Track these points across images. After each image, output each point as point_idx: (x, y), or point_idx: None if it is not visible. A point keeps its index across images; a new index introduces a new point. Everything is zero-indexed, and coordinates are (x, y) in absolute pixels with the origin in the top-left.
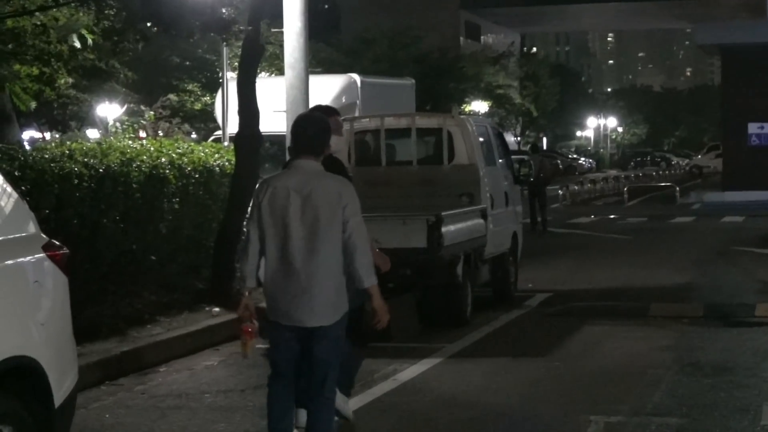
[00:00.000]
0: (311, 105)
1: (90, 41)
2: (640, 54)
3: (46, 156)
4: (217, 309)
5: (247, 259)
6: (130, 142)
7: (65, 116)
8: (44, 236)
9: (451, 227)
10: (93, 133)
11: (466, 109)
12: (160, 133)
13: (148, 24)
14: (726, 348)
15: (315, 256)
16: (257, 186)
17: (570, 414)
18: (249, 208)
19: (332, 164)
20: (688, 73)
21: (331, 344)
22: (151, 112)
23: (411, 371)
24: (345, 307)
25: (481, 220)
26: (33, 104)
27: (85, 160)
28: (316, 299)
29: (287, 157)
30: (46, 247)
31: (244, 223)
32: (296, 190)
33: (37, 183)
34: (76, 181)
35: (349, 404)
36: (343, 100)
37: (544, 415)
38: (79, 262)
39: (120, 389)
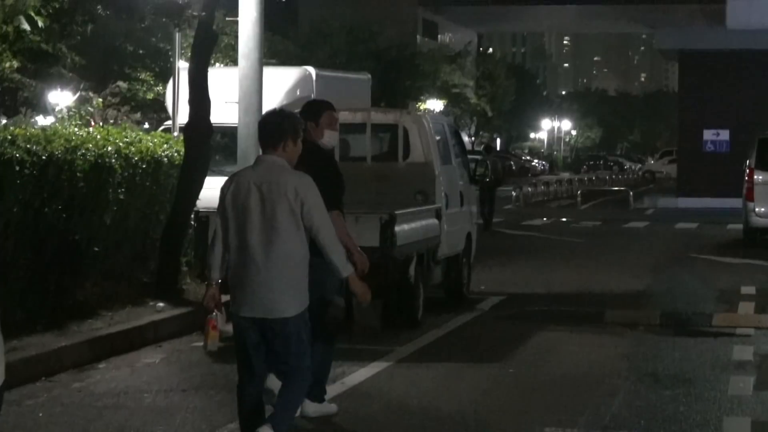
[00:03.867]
0: (264, 97)
1: (40, 24)
2: (596, 58)
3: None
4: (161, 304)
5: (213, 252)
6: (76, 129)
7: (16, 102)
8: None
9: (405, 226)
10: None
11: (421, 107)
12: (111, 122)
13: (98, 6)
14: (684, 358)
15: (274, 249)
16: (225, 180)
17: (524, 425)
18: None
19: (314, 154)
20: (643, 78)
21: (292, 337)
22: (99, 99)
23: (359, 375)
24: (305, 300)
25: (436, 220)
26: None
27: (28, 146)
28: (275, 292)
29: (238, 149)
30: None
31: (192, 215)
32: (256, 184)
33: None
34: (17, 168)
35: (324, 405)
36: (298, 93)
37: (497, 425)
38: (20, 251)
39: (56, 386)
